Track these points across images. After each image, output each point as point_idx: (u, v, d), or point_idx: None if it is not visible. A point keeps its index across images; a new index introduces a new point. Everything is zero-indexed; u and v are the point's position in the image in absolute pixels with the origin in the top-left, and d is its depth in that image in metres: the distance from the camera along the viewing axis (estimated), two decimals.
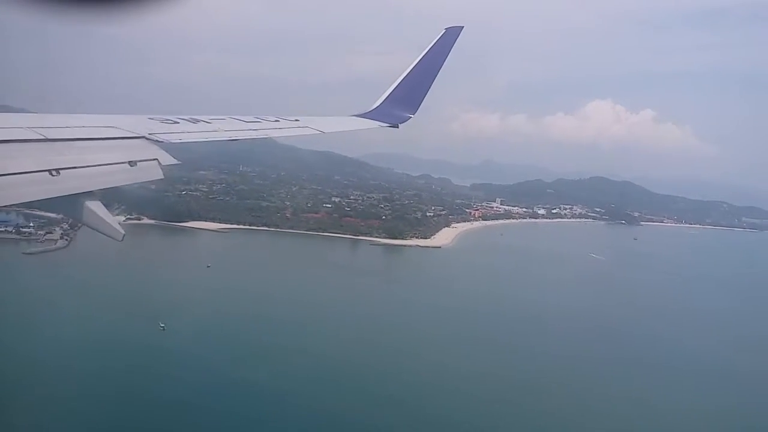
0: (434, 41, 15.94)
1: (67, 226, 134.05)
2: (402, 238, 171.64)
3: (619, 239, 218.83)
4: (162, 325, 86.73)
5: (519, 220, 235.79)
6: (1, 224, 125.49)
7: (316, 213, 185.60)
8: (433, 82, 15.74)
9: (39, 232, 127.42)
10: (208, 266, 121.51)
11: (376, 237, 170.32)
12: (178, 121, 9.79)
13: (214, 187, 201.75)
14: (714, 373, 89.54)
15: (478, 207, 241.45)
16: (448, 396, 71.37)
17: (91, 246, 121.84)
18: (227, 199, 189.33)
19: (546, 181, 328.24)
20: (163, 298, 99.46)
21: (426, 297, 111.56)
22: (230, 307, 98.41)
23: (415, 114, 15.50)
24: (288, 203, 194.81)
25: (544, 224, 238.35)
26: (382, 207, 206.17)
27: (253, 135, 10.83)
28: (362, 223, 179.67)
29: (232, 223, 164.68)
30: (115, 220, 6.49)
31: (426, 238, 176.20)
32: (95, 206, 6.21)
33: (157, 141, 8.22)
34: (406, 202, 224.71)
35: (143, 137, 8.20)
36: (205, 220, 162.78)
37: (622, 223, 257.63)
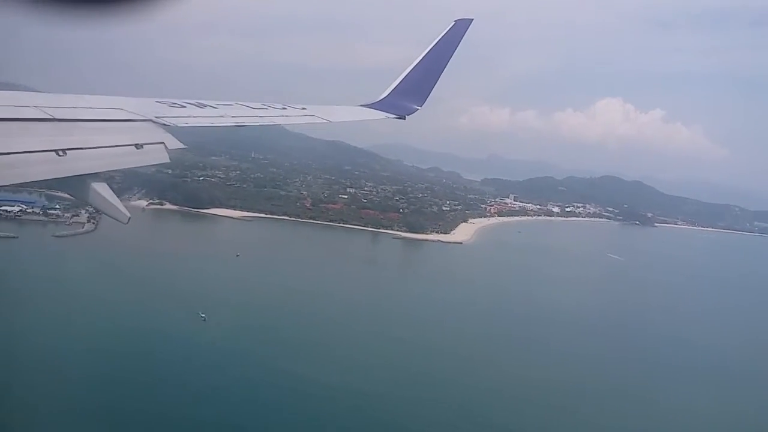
0: (443, 33, 16.04)
1: (92, 209, 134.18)
2: (422, 233, 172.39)
3: (635, 240, 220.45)
4: (203, 315, 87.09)
5: (534, 218, 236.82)
6: (28, 205, 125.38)
7: (334, 204, 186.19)
8: (442, 75, 15.87)
9: (66, 214, 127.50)
10: (237, 255, 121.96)
11: (397, 230, 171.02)
12: (185, 105, 9.93)
13: (231, 174, 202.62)
14: (749, 376, 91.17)
15: (493, 203, 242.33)
16: (513, 403, 71.49)
17: (118, 230, 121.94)
18: (244, 186, 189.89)
19: (557, 179, 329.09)
20: (197, 287, 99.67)
21: (460, 295, 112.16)
22: (265, 298, 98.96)
23: (423, 106, 15.63)
24: (304, 192, 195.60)
25: (560, 222, 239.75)
26: (397, 200, 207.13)
27: (260, 122, 11.01)
28: (381, 216, 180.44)
29: (253, 212, 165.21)
30: (120, 202, 6.65)
31: (446, 233, 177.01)
32: (101, 188, 6.26)
33: (163, 124, 8.31)
34: (420, 195, 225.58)
35: (150, 120, 8.27)
36: (226, 208, 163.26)
37: (636, 224, 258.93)
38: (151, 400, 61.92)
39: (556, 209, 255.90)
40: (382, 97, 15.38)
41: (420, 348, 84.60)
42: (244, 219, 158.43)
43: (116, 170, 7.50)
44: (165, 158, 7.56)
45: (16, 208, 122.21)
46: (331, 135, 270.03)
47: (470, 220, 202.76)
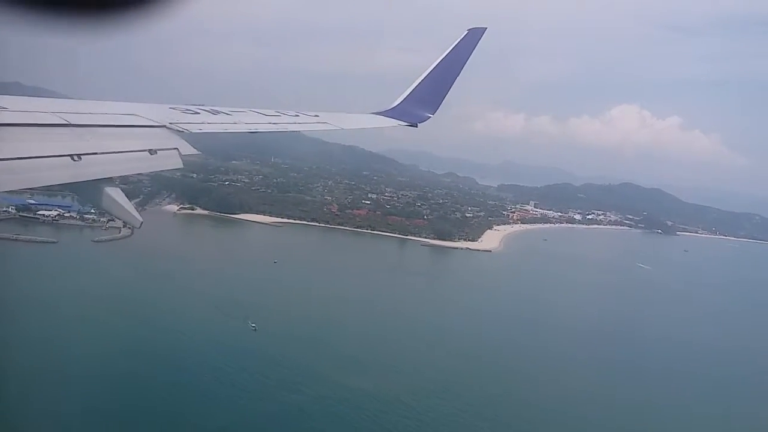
0: (457, 41, 16.17)
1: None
2: (450, 240, 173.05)
3: (660, 249, 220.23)
4: (253, 325, 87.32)
5: (557, 225, 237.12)
6: (65, 210, 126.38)
7: (359, 210, 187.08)
8: (454, 83, 16.00)
9: (101, 218, 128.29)
10: (275, 262, 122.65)
11: (425, 237, 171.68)
12: (199, 111, 10.06)
13: (254, 178, 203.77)
14: None
15: (514, 210, 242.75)
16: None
17: (154, 235, 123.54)
18: (269, 191, 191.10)
19: (575, 185, 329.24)
20: (239, 294, 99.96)
21: (506, 307, 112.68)
22: (310, 307, 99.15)
23: (435, 114, 15.76)
24: (328, 198, 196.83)
25: (582, 230, 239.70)
26: (419, 205, 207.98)
27: (273, 128, 11.18)
28: (407, 222, 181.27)
29: (282, 217, 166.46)
30: (133, 207, 6.70)
31: (473, 241, 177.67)
32: (115, 192, 6.31)
33: (177, 130, 8.40)
34: (441, 201, 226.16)
35: (164, 126, 8.37)
36: (256, 213, 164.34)
37: (658, 233, 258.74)
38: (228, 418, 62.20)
39: (577, 217, 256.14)
40: (394, 105, 15.62)
41: (484, 362, 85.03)
42: (274, 225, 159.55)
43: (136, 174, 7.81)
44: (178, 164, 7.65)
45: (54, 213, 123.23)
46: (346, 140, 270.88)
47: (495, 227, 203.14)
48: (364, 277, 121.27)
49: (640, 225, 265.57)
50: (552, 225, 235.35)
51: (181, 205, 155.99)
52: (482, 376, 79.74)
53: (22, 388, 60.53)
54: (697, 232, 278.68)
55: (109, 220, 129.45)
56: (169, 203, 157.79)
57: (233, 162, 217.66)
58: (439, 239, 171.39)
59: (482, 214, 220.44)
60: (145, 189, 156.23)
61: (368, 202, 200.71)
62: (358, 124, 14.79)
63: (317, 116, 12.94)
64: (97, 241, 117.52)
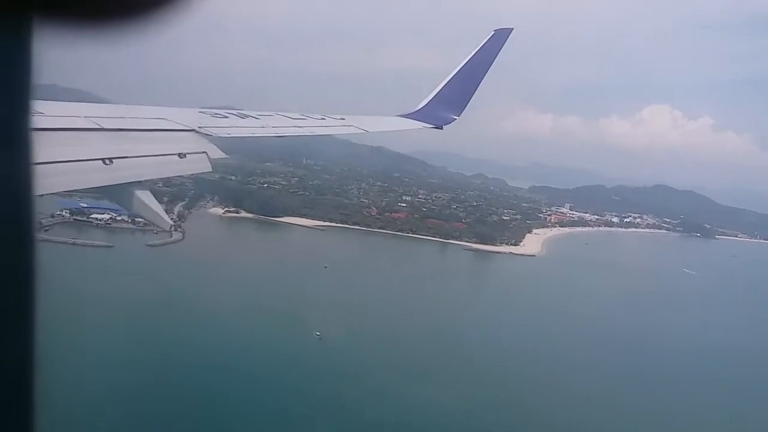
0: (483, 43, 16.10)
1: (177, 217, 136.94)
2: (492, 244, 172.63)
3: (702, 254, 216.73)
4: (317, 333, 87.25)
5: (595, 229, 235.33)
6: (116, 212, 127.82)
7: (397, 213, 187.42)
8: (480, 84, 15.94)
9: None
10: (325, 267, 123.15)
11: (467, 241, 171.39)
12: (228, 115, 10.19)
13: (291, 181, 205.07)
14: None
15: (550, 212, 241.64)
16: None
17: (204, 239, 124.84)
18: (307, 194, 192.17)
19: (607, 187, 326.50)
20: (296, 301, 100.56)
21: (562, 318, 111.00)
22: (369, 314, 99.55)
23: (460, 116, 15.73)
24: (365, 200, 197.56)
25: (621, 234, 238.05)
26: (454, 208, 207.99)
27: (299, 132, 11.25)
28: (447, 225, 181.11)
29: (323, 220, 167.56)
30: (162, 210, 6.91)
31: (515, 245, 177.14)
32: (145, 196, 6.43)
33: (206, 134, 8.52)
34: (475, 203, 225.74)
35: (193, 130, 8.50)
36: (299, 216, 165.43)
37: (697, 236, 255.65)
38: None
39: (615, 220, 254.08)
40: (419, 107, 15.61)
41: (564, 375, 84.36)
42: (317, 228, 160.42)
43: (170, 177, 7.78)
44: (207, 167, 7.82)
45: (107, 216, 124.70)
46: (373, 141, 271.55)
47: (534, 231, 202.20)
48: (416, 284, 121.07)
49: (678, 228, 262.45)
50: (590, 228, 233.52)
51: (226, 208, 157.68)
52: (546, 396, 78.51)
53: (95, 395, 61.26)
54: (736, 236, 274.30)
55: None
56: (214, 206, 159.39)
57: (267, 164, 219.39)
58: (481, 243, 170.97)
59: (518, 216, 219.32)
60: (189, 192, 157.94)
61: (404, 204, 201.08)
62: (384, 126, 14.96)
63: (343, 119, 13.17)
64: (151, 246, 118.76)
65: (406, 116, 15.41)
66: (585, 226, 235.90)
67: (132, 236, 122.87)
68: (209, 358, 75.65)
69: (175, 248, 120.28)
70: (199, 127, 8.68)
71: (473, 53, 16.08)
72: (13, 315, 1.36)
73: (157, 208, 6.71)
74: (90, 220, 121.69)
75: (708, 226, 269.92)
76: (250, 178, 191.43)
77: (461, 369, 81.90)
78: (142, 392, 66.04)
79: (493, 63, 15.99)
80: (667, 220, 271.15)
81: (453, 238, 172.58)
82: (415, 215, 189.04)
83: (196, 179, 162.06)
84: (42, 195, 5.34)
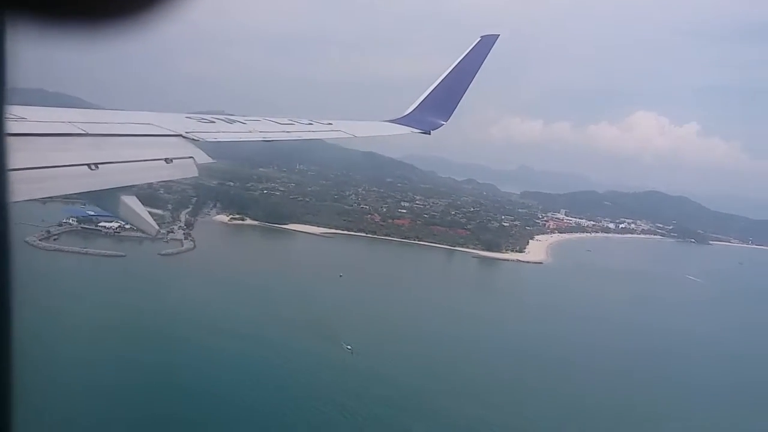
0: (469, 49, 16.39)
1: (184, 225, 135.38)
2: (498, 251, 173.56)
3: (701, 260, 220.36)
4: (348, 346, 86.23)
5: (593, 235, 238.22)
6: (125, 221, 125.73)
7: (401, 219, 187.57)
8: (467, 90, 16.23)
9: (161, 231, 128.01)
10: (340, 276, 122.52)
11: (473, 248, 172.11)
12: (214, 120, 10.28)
13: (289, 186, 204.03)
14: None
15: (548, 218, 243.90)
16: None
17: (215, 248, 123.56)
18: (307, 200, 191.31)
19: (599, 192, 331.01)
20: (317, 311, 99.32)
21: (581, 327, 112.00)
22: (393, 324, 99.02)
23: (448, 121, 16.00)
24: (365, 206, 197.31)
25: (618, 240, 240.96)
26: (454, 214, 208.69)
27: (287, 137, 11.43)
28: (451, 232, 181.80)
29: (329, 227, 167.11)
30: (149, 215, 6.83)
31: (521, 252, 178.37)
32: (131, 201, 6.47)
33: (193, 139, 8.58)
34: (472, 209, 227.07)
35: (180, 135, 8.57)
36: (303, 223, 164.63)
37: (691, 242, 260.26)
38: None
39: (611, 225, 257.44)
40: (407, 113, 15.88)
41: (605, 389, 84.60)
42: (324, 235, 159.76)
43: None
44: (194, 172, 7.86)
45: (115, 225, 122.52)
46: (363, 146, 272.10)
47: (536, 237, 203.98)
48: (436, 294, 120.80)
49: (672, 234, 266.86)
50: (588, 234, 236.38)
51: (231, 215, 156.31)
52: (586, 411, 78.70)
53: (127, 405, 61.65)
54: (729, 242, 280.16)
55: (168, 232, 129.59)
56: (218, 213, 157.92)
57: (261, 169, 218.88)
58: (487, 250, 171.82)
59: (517, 223, 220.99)
60: (192, 199, 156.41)
61: (404, 211, 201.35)
62: (372, 131, 15.03)
63: (330, 124, 13.32)
64: (164, 255, 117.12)
65: (394, 121, 15.57)
66: (582, 232, 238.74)
67: (141, 245, 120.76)
68: (245, 373, 74.77)
69: (188, 257, 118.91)
70: (186, 132, 8.70)
71: (460, 59, 16.32)
72: None
73: (144, 213, 6.64)
74: (98, 228, 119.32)
75: (701, 232, 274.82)
76: (249, 184, 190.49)
77: (508, 386, 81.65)
78: (175, 405, 65.22)
79: (480, 69, 16.23)
80: (660, 225, 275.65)
81: (459, 245, 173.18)
82: (418, 222, 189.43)
83: (197, 185, 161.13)
84: (24, 201, 5.32)
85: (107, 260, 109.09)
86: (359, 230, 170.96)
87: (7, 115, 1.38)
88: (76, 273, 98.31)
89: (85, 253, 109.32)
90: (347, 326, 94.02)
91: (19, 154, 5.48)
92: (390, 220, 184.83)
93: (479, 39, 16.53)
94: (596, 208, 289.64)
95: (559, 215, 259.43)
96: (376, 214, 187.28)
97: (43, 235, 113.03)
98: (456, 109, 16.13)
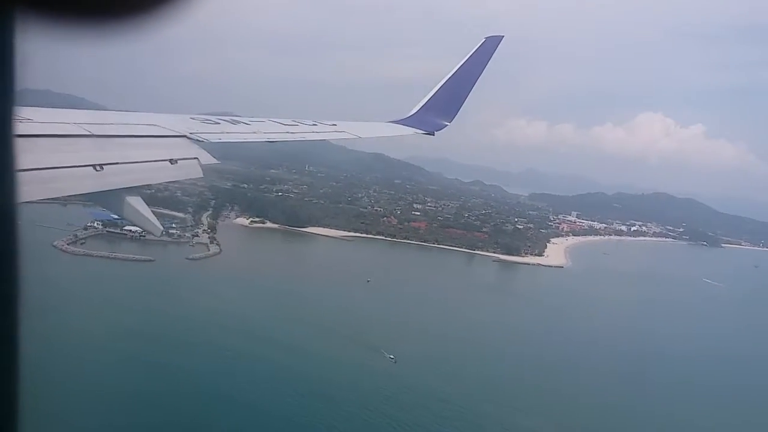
0: (473, 50, 16.50)
1: (208, 229, 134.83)
2: (518, 255, 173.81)
3: (716, 263, 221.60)
4: (391, 357, 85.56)
5: (606, 237, 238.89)
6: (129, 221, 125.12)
7: (417, 222, 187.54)
8: (472, 91, 16.36)
9: (186, 234, 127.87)
10: (368, 281, 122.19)
11: (492, 252, 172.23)
12: (219, 121, 10.39)
13: (301, 188, 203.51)
14: None
15: (560, 221, 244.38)
16: None
17: (240, 251, 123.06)
18: (322, 202, 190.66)
19: (607, 194, 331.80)
20: (354, 319, 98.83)
21: (615, 334, 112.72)
22: (431, 332, 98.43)
23: (452, 122, 16.15)
24: (378, 209, 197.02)
25: (631, 242, 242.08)
26: (467, 216, 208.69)
27: (291, 138, 11.54)
28: (468, 235, 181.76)
29: (347, 230, 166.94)
30: (153, 216, 6.85)
31: (540, 256, 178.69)
32: (136, 202, 6.54)
33: (197, 140, 8.68)
34: (483, 211, 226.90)
35: (184, 136, 8.68)
36: (322, 226, 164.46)
37: (703, 244, 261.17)
38: None
39: (623, 228, 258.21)
40: (411, 113, 16.00)
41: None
42: (344, 239, 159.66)
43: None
44: (198, 173, 7.97)
45: (141, 228, 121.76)
46: (369, 147, 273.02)
47: (552, 240, 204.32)
48: (464, 299, 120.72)
49: (684, 237, 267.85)
50: (601, 237, 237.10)
51: (251, 219, 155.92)
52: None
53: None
54: (740, 244, 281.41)
55: (193, 236, 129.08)
56: (237, 216, 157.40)
57: (272, 171, 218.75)
58: (507, 254, 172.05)
59: (531, 225, 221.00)
60: (211, 201, 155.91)
61: (418, 213, 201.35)
62: (376, 132, 15.18)
63: (335, 125, 13.43)
64: (192, 259, 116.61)
65: (398, 122, 15.66)
66: (595, 234, 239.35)
67: (166, 249, 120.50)
68: (290, 384, 74.03)
69: (216, 262, 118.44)
70: (190, 133, 8.79)
71: (464, 60, 16.41)
72: None
73: (149, 214, 6.63)
74: (123, 232, 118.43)
75: (711, 234, 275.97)
76: (262, 186, 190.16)
77: (575, 400, 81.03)
78: (220, 416, 65.01)
79: (485, 70, 16.33)
80: (671, 228, 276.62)
81: (478, 248, 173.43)
82: (433, 224, 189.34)
83: (212, 188, 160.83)
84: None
85: (137, 265, 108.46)
86: (378, 233, 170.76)
87: (15, 117, 1.43)
88: (110, 278, 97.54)
89: (114, 258, 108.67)
90: (384, 334, 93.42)
91: (25, 156, 5.49)
92: (406, 223, 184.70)
93: (483, 40, 16.62)
94: (605, 210, 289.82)
95: (570, 217, 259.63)
96: (392, 217, 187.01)
97: (70, 239, 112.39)
98: (460, 111, 16.22)
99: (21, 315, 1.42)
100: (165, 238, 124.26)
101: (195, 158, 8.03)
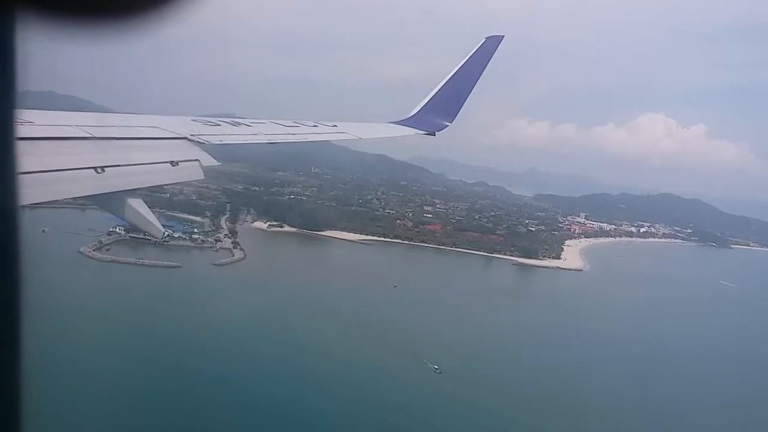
0: (474, 50, 16.64)
1: (229, 233, 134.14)
2: (536, 258, 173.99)
3: (729, 264, 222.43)
4: (435, 367, 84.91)
5: (617, 239, 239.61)
6: (168, 228, 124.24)
7: (433, 225, 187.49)
8: (472, 91, 16.49)
9: (208, 239, 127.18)
10: (395, 286, 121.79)
11: (510, 255, 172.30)
12: (220, 123, 10.46)
13: (309, 191, 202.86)
14: None
15: (570, 223, 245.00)
16: None
17: (263, 256, 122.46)
18: (334, 205, 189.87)
19: (612, 195, 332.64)
20: (388, 326, 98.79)
21: (647, 339, 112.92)
22: (467, 340, 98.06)
23: (453, 122, 16.25)
24: (390, 211, 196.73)
25: (642, 244, 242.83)
26: (478, 218, 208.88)
27: (292, 139, 11.68)
28: (484, 238, 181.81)
29: (364, 234, 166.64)
30: (155, 218, 6.94)
31: (557, 258, 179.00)
32: (137, 204, 6.58)
33: (198, 142, 8.74)
34: (493, 213, 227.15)
35: (185, 138, 8.74)
36: (339, 230, 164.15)
37: (713, 246, 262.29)
38: None
39: (632, 229, 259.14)
40: (412, 114, 16.18)
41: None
42: (362, 242, 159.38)
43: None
44: (200, 175, 8.04)
45: (165, 234, 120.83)
46: (371, 148, 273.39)
47: (567, 242, 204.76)
48: (492, 305, 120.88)
49: (692, 238, 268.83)
50: (612, 239, 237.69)
51: (269, 222, 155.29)
52: None
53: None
54: (748, 245, 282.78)
55: (216, 241, 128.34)
56: (254, 220, 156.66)
57: (278, 173, 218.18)
58: (525, 257, 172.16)
59: (543, 227, 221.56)
60: (227, 205, 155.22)
61: (430, 215, 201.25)
62: (377, 133, 15.37)
63: (335, 126, 13.54)
64: (219, 265, 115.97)
65: (399, 123, 15.80)
66: (606, 236, 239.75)
67: (190, 254, 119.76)
68: (335, 395, 73.60)
69: (242, 267, 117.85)
70: (191, 135, 8.86)
71: (465, 60, 16.50)
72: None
73: (150, 216, 6.73)
74: (147, 237, 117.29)
75: (720, 235, 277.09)
76: (273, 189, 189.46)
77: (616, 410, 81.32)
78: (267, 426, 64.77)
79: (485, 70, 16.41)
80: (679, 229, 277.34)
81: (496, 252, 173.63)
82: (448, 227, 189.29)
83: (226, 191, 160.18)
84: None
85: (165, 271, 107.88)
86: (395, 237, 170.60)
87: (17, 120, 1.43)
88: (141, 285, 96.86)
89: (142, 264, 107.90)
90: (421, 342, 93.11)
91: (26, 158, 5.57)
92: (422, 226, 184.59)
93: (484, 40, 16.69)
94: (611, 210, 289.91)
95: (579, 219, 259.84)
96: (407, 220, 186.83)
97: (95, 245, 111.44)
98: (461, 111, 16.29)
99: (22, 317, 1.42)
100: (188, 243, 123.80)
101: (196, 160, 8.14)
